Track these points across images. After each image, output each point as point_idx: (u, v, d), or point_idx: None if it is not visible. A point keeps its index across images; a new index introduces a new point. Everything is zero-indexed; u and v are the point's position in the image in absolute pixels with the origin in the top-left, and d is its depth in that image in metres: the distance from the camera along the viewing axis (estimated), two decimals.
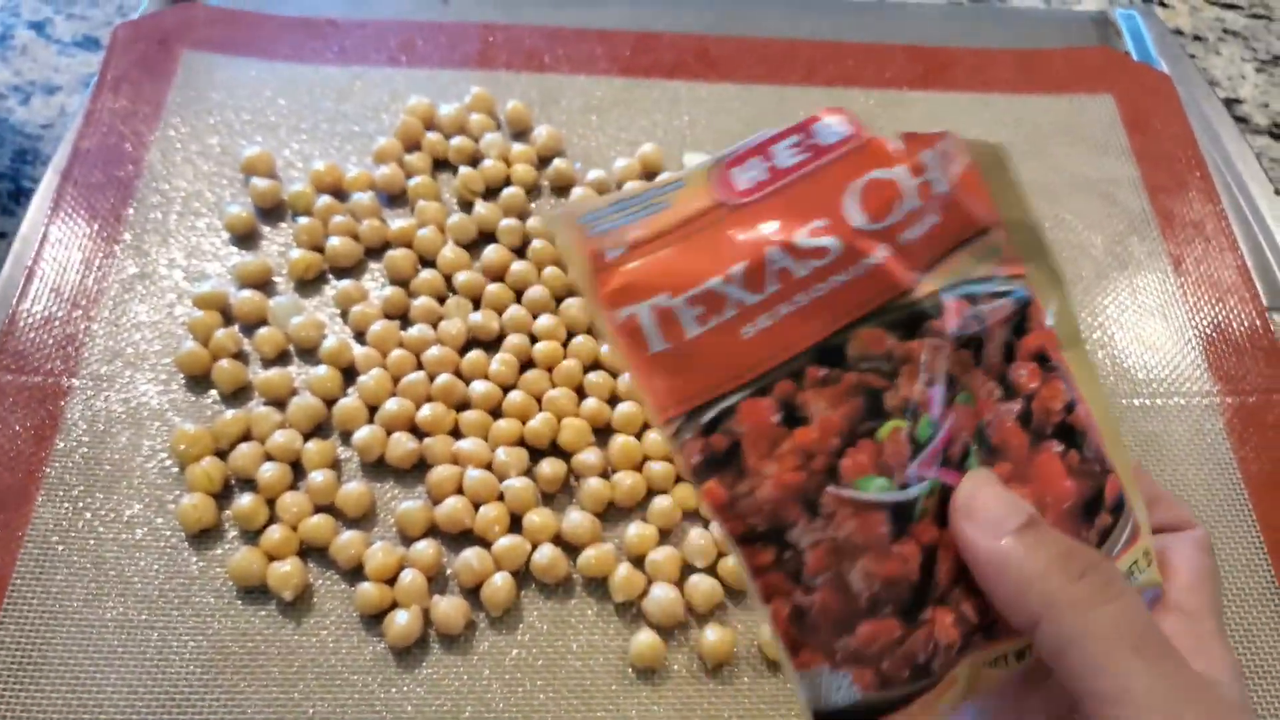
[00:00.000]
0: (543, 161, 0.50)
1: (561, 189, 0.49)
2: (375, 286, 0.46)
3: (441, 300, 0.45)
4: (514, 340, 0.44)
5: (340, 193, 0.48)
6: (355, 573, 0.39)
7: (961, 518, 0.23)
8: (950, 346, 0.24)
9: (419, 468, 0.41)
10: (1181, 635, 0.24)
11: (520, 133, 0.51)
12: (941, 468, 0.23)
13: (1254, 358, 0.46)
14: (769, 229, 0.24)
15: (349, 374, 0.43)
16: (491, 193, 0.49)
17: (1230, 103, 0.57)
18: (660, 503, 0.40)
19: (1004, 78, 0.55)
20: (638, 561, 0.39)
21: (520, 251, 0.47)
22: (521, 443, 0.41)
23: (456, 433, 0.42)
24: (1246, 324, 0.47)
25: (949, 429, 0.23)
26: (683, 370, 0.23)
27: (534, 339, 0.44)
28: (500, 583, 0.38)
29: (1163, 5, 0.61)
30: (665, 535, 0.40)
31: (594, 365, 0.43)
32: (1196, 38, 0.60)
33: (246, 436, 0.41)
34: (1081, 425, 0.25)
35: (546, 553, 0.38)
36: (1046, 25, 0.59)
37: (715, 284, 0.23)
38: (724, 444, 0.23)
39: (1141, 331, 0.47)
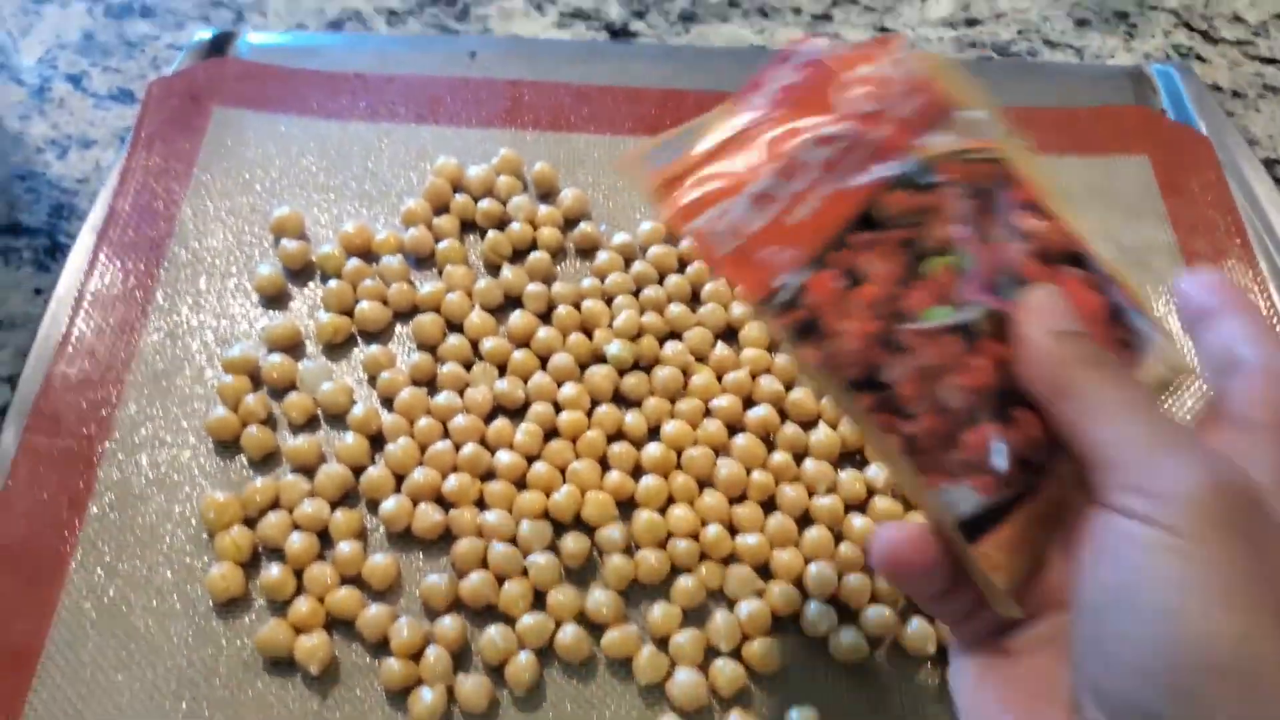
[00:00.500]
0: (568, 223, 0.50)
1: (587, 252, 0.49)
2: (402, 352, 0.46)
3: (468, 366, 0.46)
4: (538, 409, 0.44)
5: (369, 255, 0.48)
6: (381, 646, 0.39)
7: (1025, 313, 0.27)
8: (965, 194, 0.29)
9: (444, 538, 0.41)
10: (1230, 443, 0.25)
11: (546, 194, 0.51)
12: (989, 293, 0.28)
13: None
14: (791, 130, 0.29)
15: (376, 440, 0.44)
16: (518, 255, 0.49)
17: (1271, 163, 0.57)
18: (684, 582, 0.40)
19: (1035, 137, 0.55)
20: (661, 643, 0.39)
21: (545, 317, 0.47)
22: (545, 515, 0.42)
23: (481, 503, 0.42)
24: None
25: (984, 260, 0.28)
26: (752, 262, 0.28)
27: (558, 407, 0.44)
28: (524, 661, 0.38)
29: (1200, 60, 0.61)
30: (689, 615, 0.40)
31: (617, 435, 0.44)
32: (1235, 94, 0.60)
33: (274, 504, 0.42)
34: (1084, 250, 0.30)
35: (570, 632, 0.39)
36: (1079, 80, 0.58)
37: (759, 185, 0.29)
38: (804, 315, 0.28)
39: (1176, 409, 0.47)
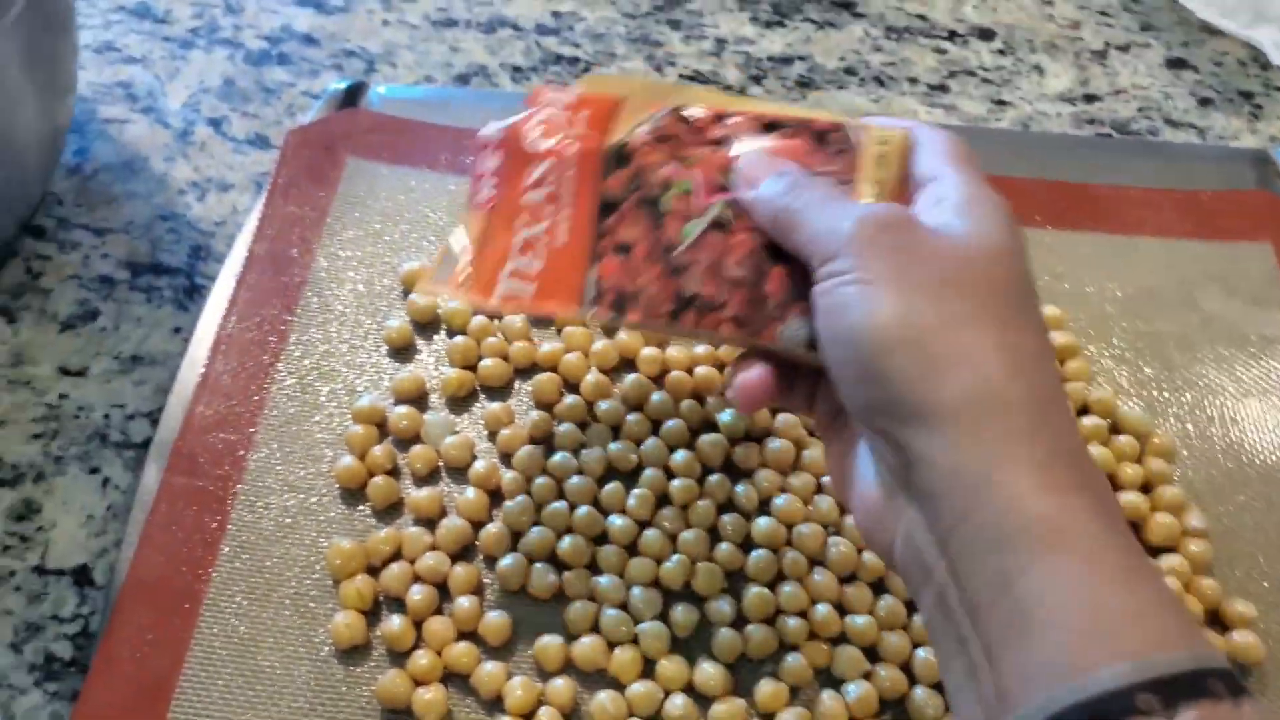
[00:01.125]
0: None
1: None
2: (521, 409, 0.47)
3: (583, 427, 0.47)
4: (650, 474, 0.45)
5: (492, 312, 0.50)
6: (494, 702, 0.40)
7: (744, 187, 0.35)
8: (654, 147, 0.37)
9: (558, 599, 0.42)
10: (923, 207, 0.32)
11: None
12: (717, 193, 0.35)
13: None
14: (513, 192, 0.38)
15: (494, 495, 0.45)
16: None
17: None
18: (793, 660, 0.40)
19: (1152, 219, 0.55)
20: (768, 719, 0.40)
21: (659, 381, 0.48)
22: (656, 583, 0.42)
23: (594, 565, 0.43)
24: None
25: (700, 174, 0.35)
26: (552, 289, 0.37)
27: (670, 474, 0.45)
28: None
29: None
30: (796, 694, 0.41)
31: (728, 505, 0.44)
32: None
33: (397, 554, 0.43)
34: (774, 118, 0.36)
35: (679, 703, 0.39)
36: (1201, 162, 0.58)
37: (519, 239, 0.38)
38: (611, 296, 0.36)
39: None
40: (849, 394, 0.31)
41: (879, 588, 0.43)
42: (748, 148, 0.35)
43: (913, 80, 0.62)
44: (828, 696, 0.40)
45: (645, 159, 0.37)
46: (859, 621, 0.41)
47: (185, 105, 0.60)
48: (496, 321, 0.49)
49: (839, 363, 0.30)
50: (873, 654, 0.41)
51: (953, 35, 0.65)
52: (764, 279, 0.34)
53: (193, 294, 0.52)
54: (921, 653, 0.41)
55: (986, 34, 0.65)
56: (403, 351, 0.49)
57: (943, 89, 0.62)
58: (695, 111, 0.37)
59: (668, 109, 0.37)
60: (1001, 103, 0.61)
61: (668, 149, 0.37)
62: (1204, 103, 0.63)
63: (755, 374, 0.35)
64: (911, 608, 0.42)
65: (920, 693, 0.40)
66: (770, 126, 0.36)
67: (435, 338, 0.49)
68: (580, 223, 0.37)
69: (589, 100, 0.39)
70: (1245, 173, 0.57)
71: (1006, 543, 0.26)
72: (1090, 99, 0.62)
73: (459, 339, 0.48)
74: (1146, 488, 0.46)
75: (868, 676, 0.41)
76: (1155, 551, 0.44)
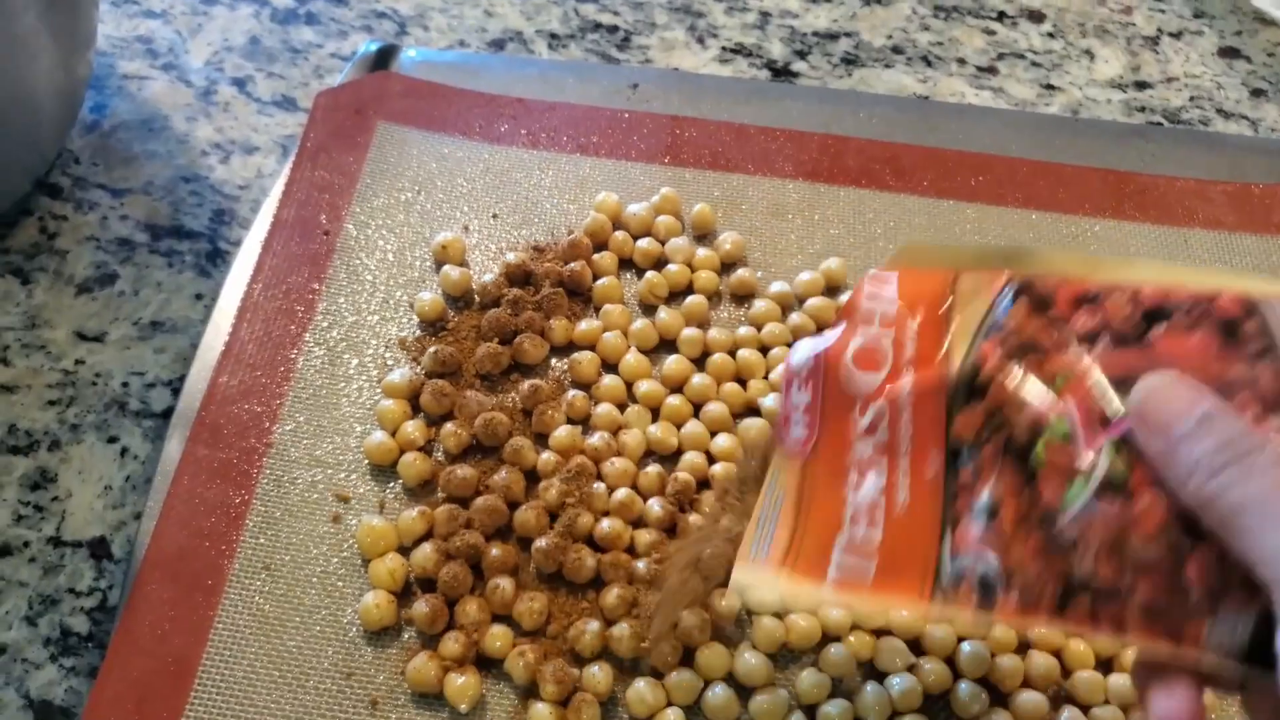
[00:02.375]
0: (725, 268, 0.50)
1: (742, 298, 0.49)
2: (557, 388, 0.46)
3: (622, 408, 0.45)
4: (690, 458, 0.43)
5: (529, 283, 0.48)
6: (529, 689, 0.39)
7: (1151, 437, 0.25)
8: (1009, 364, 0.28)
9: (595, 583, 0.41)
10: None
11: (703, 236, 0.51)
12: (1101, 432, 0.26)
13: None
14: (836, 443, 0.30)
15: (531, 475, 0.43)
16: (674, 297, 0.49)
17: None
18: (835, 651, 0.39)
19: (1202, 211, 0.53)
20: (809, 711, 0.39)
21: (700, 363, 0.47)
22: (696, 569, 0.41)
23: (632, 549, 0.42)
24: None
25: (1076, 407, 0.26)
26: (899, 564, 0.28)
27: (711, 458, 0.44)
28: (671, 718, 0.38)
29: None
30: (838, 686, 0.39)
31: None
32: None
33: (428, 534, 0.42)
34: (1160, 299, 0.27)
35: (720, 693, 0.38)
36: (1253, 154, 0.56)
37: (849, 509, 0.29)
38: (972, 579, 0.27)
39: None
40: None
41: None
42: (1136, 357, 0.26)
43: (961, 61, 0.60)
44: (871, 689, 0.39)
45: (1003, 390, 0.27)
46: (903, 614, 0.40)
47: (208, 63, 0.58)
48: (535, 295, 0.48)
49: None
50: (916, 647, 0.40)
51: (1002, 16, 0.63)
52: (1183, 562, 0.25)
53: (215, 259, 0.51)
54: (966, 646, 0.39)
55: (1037, 16, 0.63)
56: (435, 324, 0.47)
57: (991, 71, 0.60)
58: (1047, 287, 0.28)
59: (1011, 287, 0.28)
60: (1051, 87, 0.60)
61: (1030, 364, 0.27)
62: (1256, 94, 0.61)
63: (1181, 704, 0.25)
64: None
65: (965, 687, 0.39)
66: (1153, 315, 0.27)
67: (468, 311, 0.48)
68: (922, 480, 0.28)
69: (911, 291, 0.30)
70: None
71: None
72: (1141, 86, 0.61)
73: (494, 311, 0.47)
74: None
75: (911, 669, 0.39)
76: None
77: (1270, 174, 0.55)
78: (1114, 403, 0.26)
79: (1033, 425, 0.27)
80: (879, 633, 0.40)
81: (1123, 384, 0.26)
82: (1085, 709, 0.39)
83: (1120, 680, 0.39)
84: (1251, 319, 0.26)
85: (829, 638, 0.40)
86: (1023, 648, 0.40)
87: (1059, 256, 0.29)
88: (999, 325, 0.28)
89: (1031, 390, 0.27)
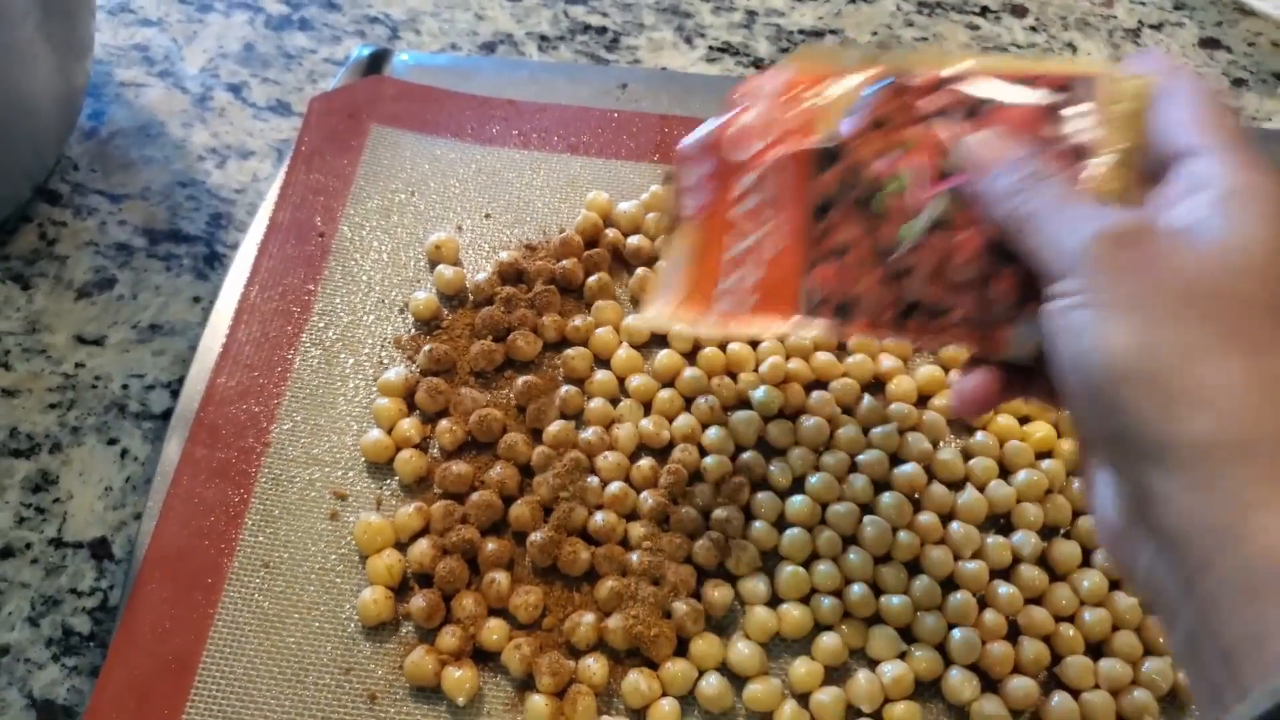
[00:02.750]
0: None
1: None
2: (551, 383, 0.47)
3: (614, 402, 0.46)
4: (681, 452, 0.44)
5: (521, 281, 0.49)
6: (525, 681, 0.39)
7: (972, 176, 0.31)
8: (867, 137, 0.33)
9: (590, 576, 0.42)
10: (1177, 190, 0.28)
11: None
12: (936, 184, 0.32)
13: None
14: (721, 204, 0.36)
15: (525, 470, 0.44)
16: None
17: None
18: (828, 640, 0.40)
19: None
20: (803, 699, 0.39)
21: (691, 357, 0.47)
22: (689, 560, 0.42)
23: (626, 542, 0.42)
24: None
25: (915, 164, 0.32)
26: (770, 300, 0.34)
27: (703, 451, 0.44)
28: (669, 709, 0.38)
29: None
30: (831, 674, 0.40)
31: (762, 484, 0.44)
32: None
33: (425, 529, 0.42)
34: (1001, 73, 0.33)
35: (714, 682, 0.39)
36: None
37: (731, 253, 0.35)
38: (831, 303, 0.33)
39: None
40: (1079, 420, 0.29)
41: (914, 568, 0.42)
42: (972, 126, 0.32)
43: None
44: (863, 676, 0.39)
45: (858, 153, 0.33)
46: (894, 602, 0.41)
47: (203, 70, 0.58)
48: (528, 293, 0.48)
49: (1069, 389, 0.28)
50: (908, 635, 0.41)
51: (985, 11, 0.64)
52: (993, 279, 0.31)
53: (213, 262, 0.51)
54: (957, 633, 0.40)
55: (1019, 10, 0.64)
56: (429, 323, 0.48)
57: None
58: (913, 79, 0.33)
59: (883, 82, 0.34)
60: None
61: (881, 137, 0.33)
62: (1237, 83, 0.61)
63: (978, 379, 0.33)
64: (947, 588, 0.41)
65: (956, 673, 0.39)
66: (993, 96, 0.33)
67: (462, 309, 0.48)
68: (795, 228, 0.34)
69: (797, 83, 0.35)
70: (1278, 155, 0.56)
71: (1261, 595, 0.23)
72: None
73: (487, 309, 0.47)
74: None
75: (903, 657, 0.40)
76: None
77: None
78: (950, 161, 0.32)
79: (875, 181, 0.33)
80: (870, 621, 0.41)
81: (958, 148, 0.32)
82: (1075, 694, 0.39)
83: (1111, 665, 0.40)
84: (1071, 91, 0.32)
85: (821, 626, 0.41)
86: (1013, 634, 0.41)
87: (929, 56, 0.35)
88: (863, 104, 0.34)
89: (880, 153, 0.33)
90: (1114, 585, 0.42)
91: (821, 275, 0.33)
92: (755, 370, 0.47)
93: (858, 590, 0.41)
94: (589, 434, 0.44)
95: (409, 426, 0.44)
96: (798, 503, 0.43)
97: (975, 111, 0.32)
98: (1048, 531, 0.44)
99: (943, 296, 0.32)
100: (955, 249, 0.32)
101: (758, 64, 0.60)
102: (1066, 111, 0.32)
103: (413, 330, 0.48)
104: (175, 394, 0.46)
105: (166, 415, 0.46)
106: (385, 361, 0.47)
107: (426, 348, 0.46)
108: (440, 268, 0.48)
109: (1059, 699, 0.39)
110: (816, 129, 0.34)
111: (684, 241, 0.37)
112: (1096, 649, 0.41)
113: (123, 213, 0.53)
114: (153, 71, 0.58)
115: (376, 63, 0.56)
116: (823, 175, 0.34)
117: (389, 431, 0.44)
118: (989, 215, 0.31)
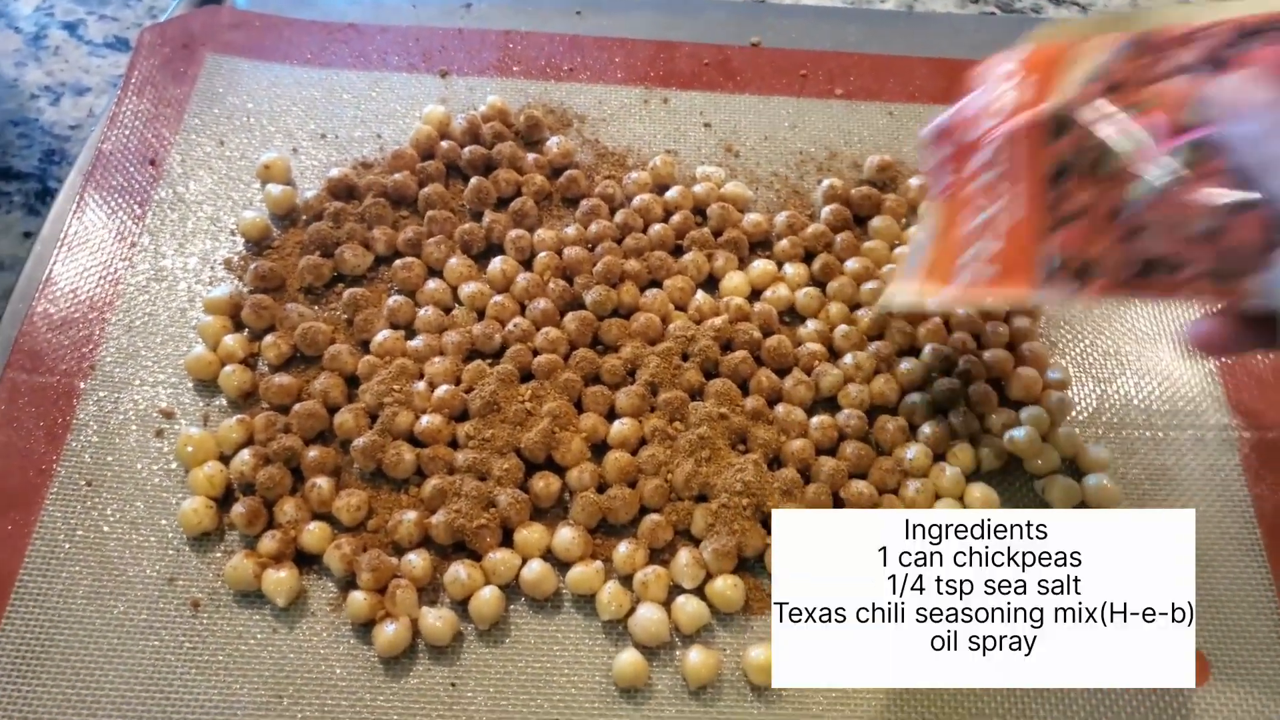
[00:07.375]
0: (555, 171, 0.50)
1: (572, 200, 0.49)
2: (381, 295, 0.46)
3: (447, 310, 0.45)
4: (514, 351, 0.44)
5: (353, 198, 0.48)
6: (348, 580, 0.39)
7: (1221, 121, 0.30)
8: (1102, 98, 0.33)
9: (416, 476, 0.41)
10: None
11: (534, 142, 0.51)
12: (1175, 137, 0.31)
13: (1277, 390, 0.45)
14: (958, 181, 0.37)
15: (352, 380, 0.44)
16: (502, 202, 0.49)
17: None
18: (651, 520, 0.40)
19: None
20: (626, 580, 0.39)
21: (527, 264, 0.47)
22: (517, 454, 0.41)
23: (454, 443, 0.42)
24: (1271, 356, 0.46)
25: (1154, 123, 0.31)
26: (1014, 265, 0.34)
27: (536, 352, 0.44)
28: (489, 596, 0.38)
29: None
30: (654, 554, 0.40)
31: (595, 379, 0.44)
32: None
33: (249, 441, 0.42)
34: (1260, 22, 0.31)
35: (535, 568, 0.39)
36: None
37: (969, 226, 0.36)
38: (1071, 267, 0.33)
39: (1157, 360, 0.46)
40: None
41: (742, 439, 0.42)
42: (1221, 73, 0.31)
43: None
44: (685, 555, 0.39)
45: (1087, 119, 0.33)
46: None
47: (38, 9, 0.57)
48: (358, 207, 0.48)
49: None
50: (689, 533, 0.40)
51: None
52: (1233, 227, 0.30)
53: (45, 199, 0.51)
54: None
55: None
56: (260, 243, 0.47)
57: None
58: (1158, 36, 0.33)
59: (1125, 43, 0.33)
60: None
61: (1118, 99, 0.32)
62: None
63: (1214, 323, 0.33)
64: (773, 465, 0.41)
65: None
66: (1250, 35, 0.31)
67: (293, 228, 0.48)
68: (1030, 198, 0.34)
69: (1035, 60, 0.35)
70: None
71: None
72: None
73: (317, 225, 0.47)
74: (1011, 345, 0.46)
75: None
76: (1016, 405, 0.44)
77: None
78: (1192, 112, 0.31)
79: (1102, 145, 0.32)
80: (696, 501, 0.41)
81: (1205, 95, 0.31)
82: None
83: None
84: None
85: (646, 509, 0.41)
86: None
87: (1176, 9, 0.33)
88: (1104, 70, 0.33)
89: (1111, 116, 0.32)
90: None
91: (1059, 240, 0.33)
92: (591, 272, 0.46)
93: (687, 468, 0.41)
94: (417, 342, 0.44)
95: (233, 342, 0.44)
96: (627, 392, 0.43)
97: (1222, 62, 0.31)
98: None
99: (1180, 250, 0.31)
100: (1189, 202, 0.31)
101: None
102: None
103: (244, 251, 0.47)
104: None
105: None
106: (215, 283, 0.46)
107: (253, 265, 0.46)
108: (269, 186, 0.48)
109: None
110: (1049, 99, 0.34)
111: (932, 219, 0.38)
112: None
113: None
114: None
115: None
116: (1056, 143, 0.33)
117: (214, 348, 0.44)
118: (1234, 161, 0.30)
